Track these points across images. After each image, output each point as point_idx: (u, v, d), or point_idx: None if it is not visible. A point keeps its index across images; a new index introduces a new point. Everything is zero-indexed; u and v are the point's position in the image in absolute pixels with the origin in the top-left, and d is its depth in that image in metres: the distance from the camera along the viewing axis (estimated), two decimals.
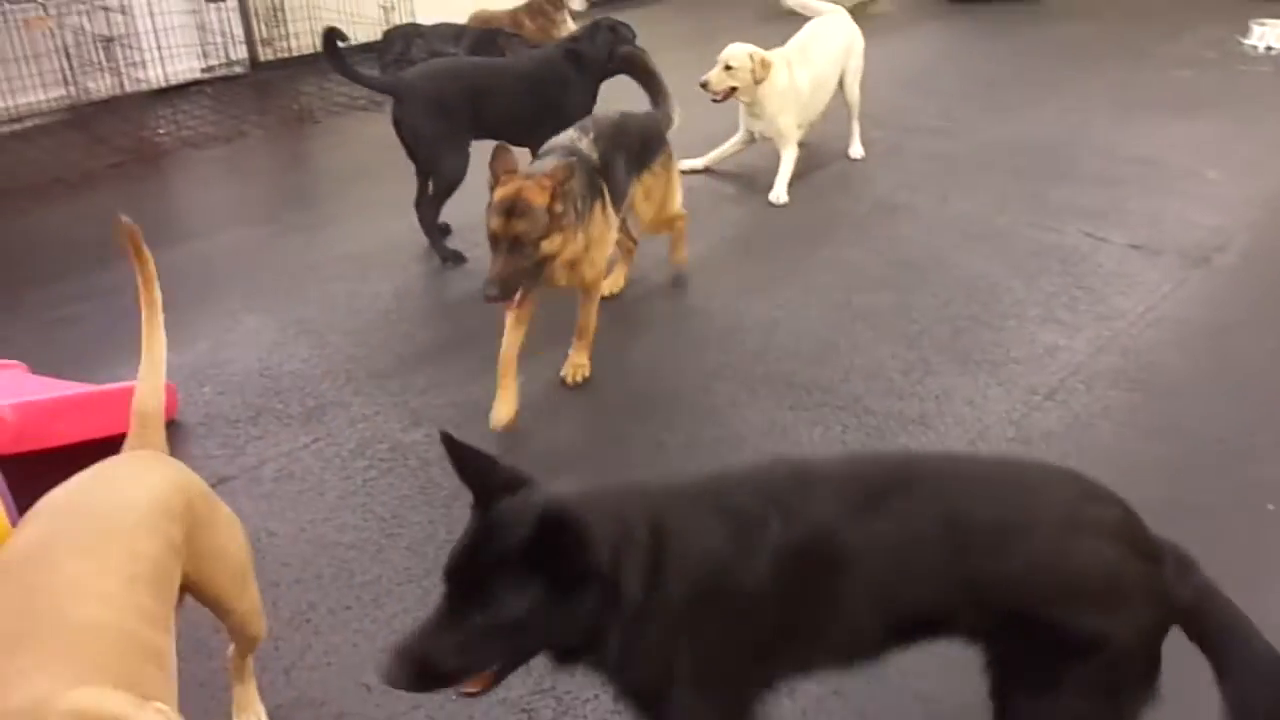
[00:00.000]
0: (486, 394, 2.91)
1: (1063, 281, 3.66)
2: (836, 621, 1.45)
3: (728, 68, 4.47)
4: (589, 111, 4.05)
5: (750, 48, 4.48)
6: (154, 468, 1.62)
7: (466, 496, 1.38)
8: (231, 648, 1.90)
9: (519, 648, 1.35)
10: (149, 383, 1.73)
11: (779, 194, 4.47)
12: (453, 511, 2.50)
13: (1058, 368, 3.14)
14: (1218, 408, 2.94)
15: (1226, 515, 2.49)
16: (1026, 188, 4.47)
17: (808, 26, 4.87)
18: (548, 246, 2.71)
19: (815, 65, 4.68)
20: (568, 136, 3.06)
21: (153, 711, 1.21)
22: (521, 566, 1.28)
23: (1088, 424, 2.87)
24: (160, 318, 1.77)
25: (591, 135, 3.06)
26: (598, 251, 3.00)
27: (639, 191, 3.31)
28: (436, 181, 3.92)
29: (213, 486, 2.18)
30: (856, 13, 7.86)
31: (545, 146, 3.08)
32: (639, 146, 3.27)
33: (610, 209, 3.05)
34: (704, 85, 4.49)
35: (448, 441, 1.39)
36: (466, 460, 1.39)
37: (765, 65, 4.45)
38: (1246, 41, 6.74)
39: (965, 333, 3.34)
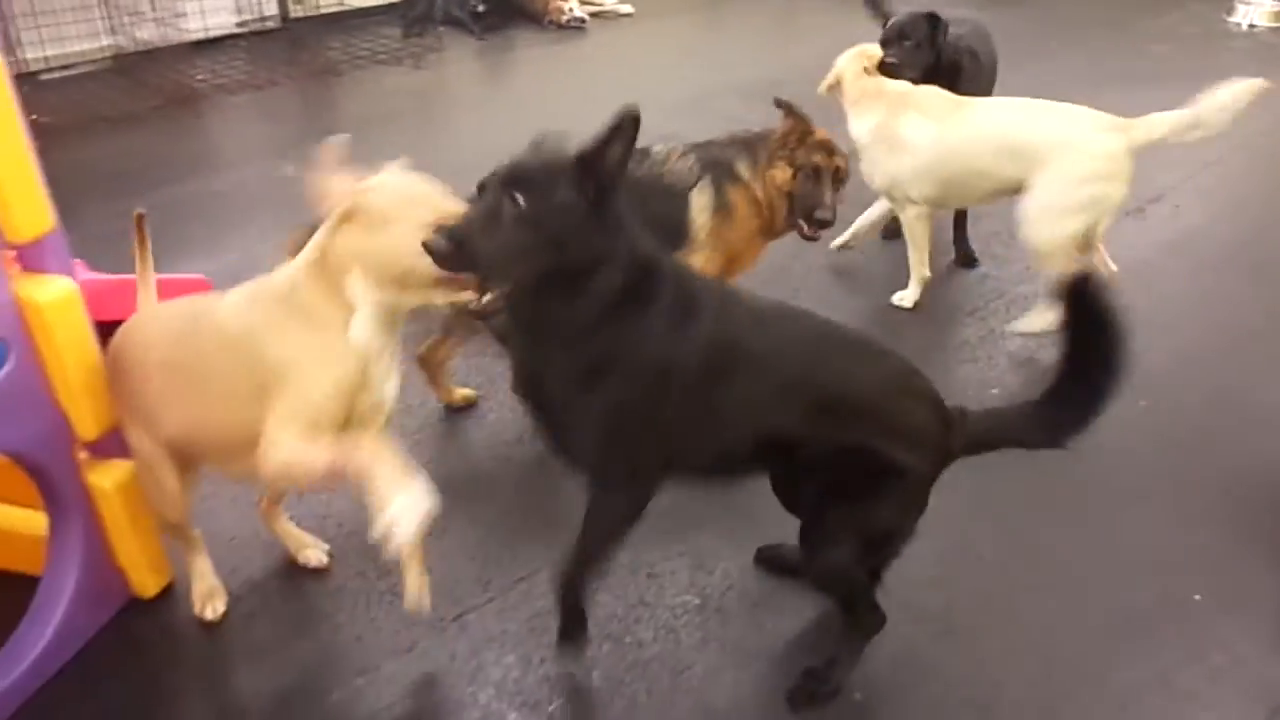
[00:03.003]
0: None
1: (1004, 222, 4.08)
2: (720, 420, 1.85)
3: None
4: None
5: None
6: None
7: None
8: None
9: (536, 250, 1.62)
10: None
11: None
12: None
13: (986, 294, 3.56)
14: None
15: None
16: None
17: None
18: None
19: None
20: None
21: None
22: (574, 173, 1.62)
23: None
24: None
25: None
26: None
27: None
28: None
29: None
30: None
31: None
32: None
33: None
34: None
35: None
36: None
37: None
38: (1230, 19, 7.03)
39: None
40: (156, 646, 2.23)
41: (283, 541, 2.46)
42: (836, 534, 1.92)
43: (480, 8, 6.84)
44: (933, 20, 3.65)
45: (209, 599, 2.28)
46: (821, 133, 2.99)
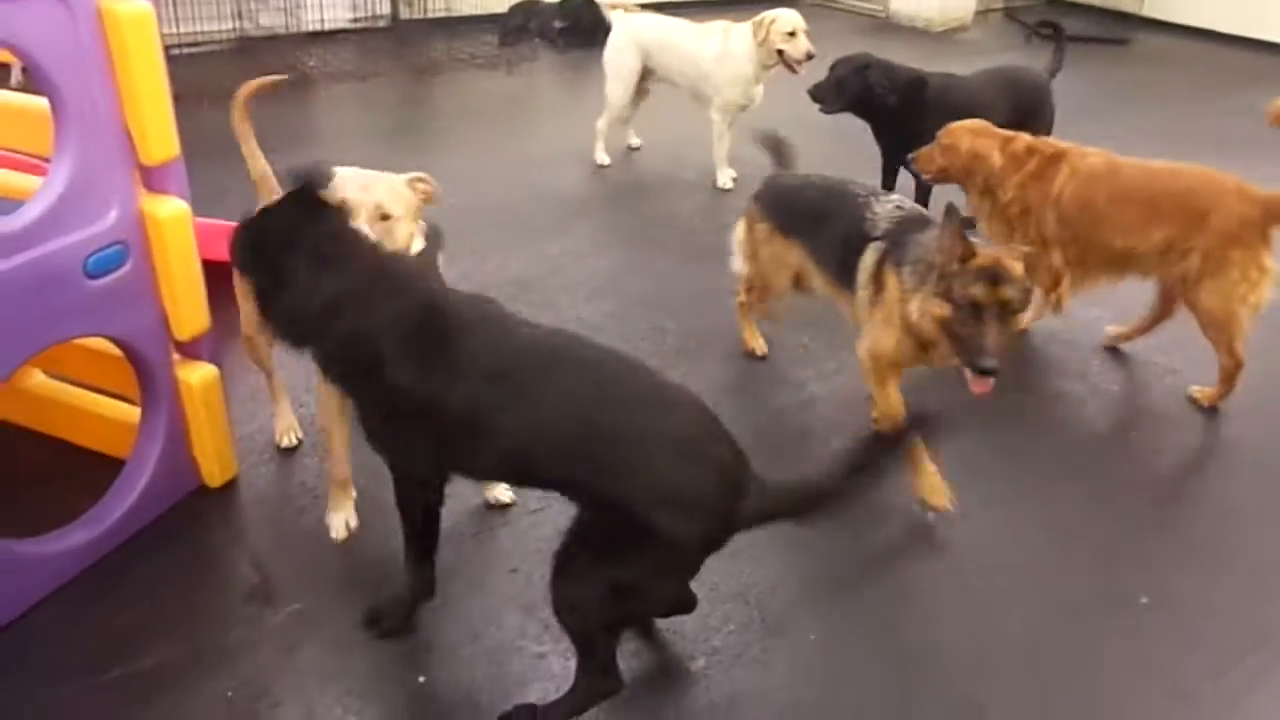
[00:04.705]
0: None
1: None
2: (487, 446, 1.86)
3: None
4: None
5: None
6: None
7: None
8: None
9: None
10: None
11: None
12: None
13: None
14: None
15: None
16: None
17: None
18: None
19: None
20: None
21: None
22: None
23: None
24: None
25: None
26: None
27: None
28: None
29: None
30: (944, 37, 8.47)
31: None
32: None
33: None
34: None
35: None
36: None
37: None
38: None
39: None
40: (217, 527, 2.58)
41: None
42: (583, 574, 1.84)
43: (558, 24, 7.23)
44: (862, 65, 4.21)
45: (287, 431, 2.88)
46: (986, 256, 2.38)
